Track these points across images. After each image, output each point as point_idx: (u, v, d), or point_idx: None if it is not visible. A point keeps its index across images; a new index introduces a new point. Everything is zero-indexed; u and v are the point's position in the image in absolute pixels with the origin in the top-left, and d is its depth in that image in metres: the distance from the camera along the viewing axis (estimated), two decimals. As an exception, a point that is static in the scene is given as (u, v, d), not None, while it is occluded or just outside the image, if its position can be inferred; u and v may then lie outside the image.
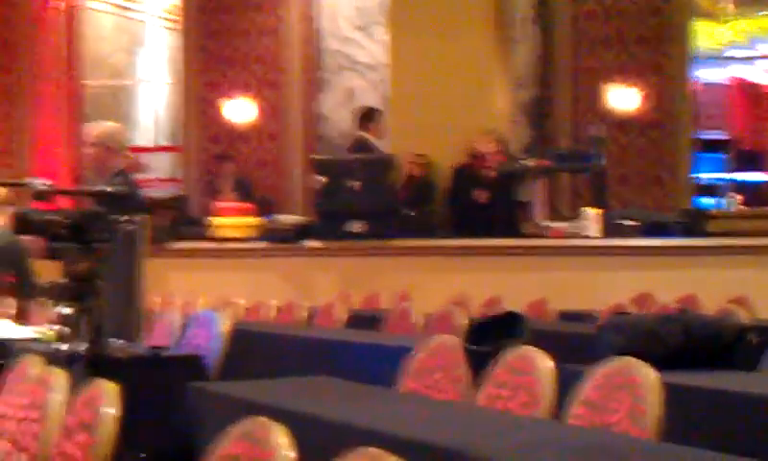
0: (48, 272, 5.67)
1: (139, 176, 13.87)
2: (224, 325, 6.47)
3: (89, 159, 6.83)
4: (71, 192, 5.87)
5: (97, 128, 6.97)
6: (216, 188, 14.14)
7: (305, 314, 8.95)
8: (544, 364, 4.32)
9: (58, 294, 4.95)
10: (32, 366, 4.16)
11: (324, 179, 11.59)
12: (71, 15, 16.32)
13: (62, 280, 4.81)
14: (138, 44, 18.75)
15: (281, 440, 2.70)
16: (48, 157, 15.62)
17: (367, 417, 3.88)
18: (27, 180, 5.43)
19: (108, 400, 3.42)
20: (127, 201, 5.63)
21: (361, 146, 12.23)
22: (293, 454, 2.69)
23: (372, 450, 2.41)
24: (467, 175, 12.01)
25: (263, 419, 2.81)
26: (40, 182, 4.98)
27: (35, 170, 15.09)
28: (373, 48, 14.88)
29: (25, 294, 5.83)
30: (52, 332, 5.75)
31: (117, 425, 3.36)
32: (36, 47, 15.94)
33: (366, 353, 6.40)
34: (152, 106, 18.68)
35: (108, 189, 5.18)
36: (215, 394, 4.77)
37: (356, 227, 11.24)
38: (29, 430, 3.80)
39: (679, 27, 13.47)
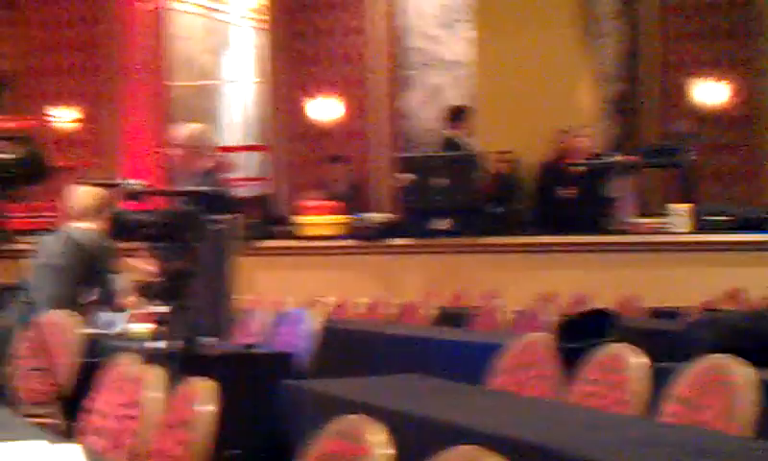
0: (138, 272, 5.75)
1: (227, 175, 13.96)
2: (314, 322, 6.51)
3: (177, 160, 6.91)
4: (164, 193, 5.93)
5: (184, 129, 7.05)
6: (325, 190, 14.05)
7: (393, 312, 8.97)
8: (637, 361, 4.30)
9: (152, 293, 5.01)
10: (128, 364, 4.21)
11: (410, 176, 11.61)
12: (158, 16, 16.49)
13: (156, 279, 4.87)
14: (225, 44, 18.91)
15: (378, 437, 2.72)
16: (136, 158, 15.81)
17: (460, 414, 3.89)
18: (121, 180, 5.51)
19: (205, 397, 3.46)
20: (218, 200, 5.68)
21: (450, 145, 12.23)
22: (389, 451, 2.70)
23: (471, 448, 2.42)
24: (554, 171, 11.96)
25: (359, 416, 2.83)
26: (134, 183, 5.05)
27: (123, 170, 15.30)
28: (458, 45, 14.84)
29: (107, 301, 5.89)
30: (146, 330, 5.84)
31: (215, 422, 3.40)
32: (123, 48, 16.13)
33: (455, 351, 6.41)
34: (238, 105, 18.83)
35: (201, 189, 5.24)
36: (307, 391, 4.80)
37: (443, 224, 11.24)
38: (127, 427, 3.85)
39: (768, 20, 13.30)
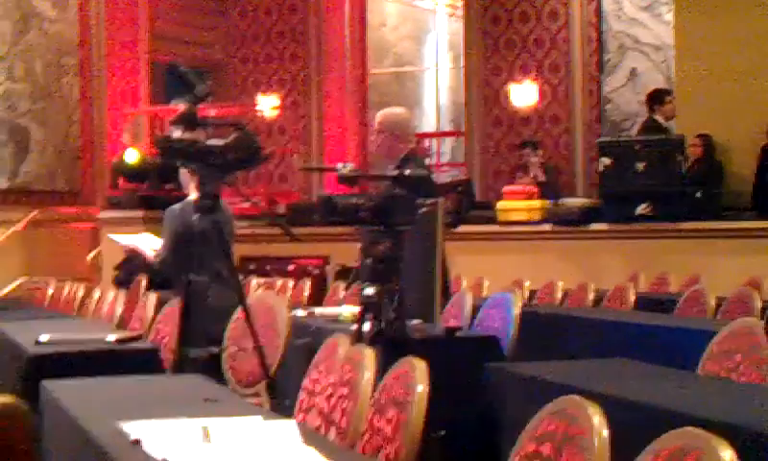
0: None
1: (428, 160, 14.10)
2: (516, 307, 6.52)
3: (377, 145, 6.99)
4: (376, 177, 6.01)
5: (385, 114, 7.12)
6: (522, 175, 14.08)
7: (593, 297, 8.91)
8: None
9: (361, 275, 5.09)
10: (339, 345, 4.30)
11: (609, 161, 11.50)
12: (358, 5, 16.71)
13: (365, 262, 4.95)
14: (423, 31, 19.03)
15: (596, 419, 2.72)
16: (337, 143, 16.06)
17: (673, 399, 3.85)
18: (333, 165, 5.61)
19: (418, 377, 3.51)
20: (423, 185, 5.74)
21: (651, 128, 12.08)
22: (607, 433, 2.70)
23: (695, 431, 2.41)
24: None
25: (577, 397, 2.84)
26: (345, 167, 5.14)
27: (325, 156, 15.57)
28: (659, 28, 14.65)
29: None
30: (353, 313, 5.94)
31: (426, 403, 3.44)
32: (324, 36, 16.41)
33: (659, 336, 6.33)
34: (435, 92, 18.93)
35: (410, 173, 5.30)
36: (514, 374, 4.82)
37: (643, 209, 11.11)
38: (339, 406, 3.93)
39: None
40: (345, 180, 5.12)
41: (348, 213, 4.81)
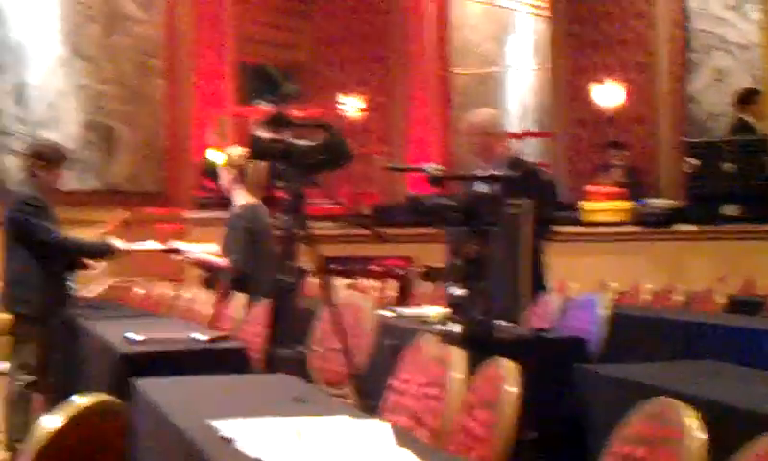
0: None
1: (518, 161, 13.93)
2: (603, 308, 6.48)
3: (473, 146, 6.99)
4: (464, 177, 6.02)
5: (479, 115, 7.12)
6: (605, 176, 13.98)
7: (681, 299, 8.83)
8: None
9: (449, 276, 5.10)
10: (429, 345, 4.30)
11: (696, 162, 11.39)
12: (441, 5, 16.70)
13: (454, 262, 4.95)
14: (506, 32, 18.98)
15: (691, 421, 2.70)
16: (421, 144, 16.06)
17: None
18: (422, 165, 5.61)
19: (510, 378, 3.50)
20: (513, 185, 5.73)
21: (740, 129, 11.94)
22: (702, 436, 2.68)
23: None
24: None
25: (671, 399, 2.82)
26: (434, 168, 5.14)
27: (409, 156, 15.58)
28: (746, 27, 14.46)
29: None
30: (440, 313, 5.94)
31: (519, 404, 3.44)
32: (407, 37, 16.42)
33: (750, 339, 6.26)
34: (519, 92, 18.86)
35: (497, 173, 5.29)
36: (604, 376, 4.79)
37: (731, 210, 10.99)
38: (429, 407, 3.94)
39: None
40: (434, 180, 5.12)
41: (437, 213, 4.82)
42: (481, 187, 5.70)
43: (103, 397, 2.96)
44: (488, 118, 7.01)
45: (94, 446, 2.85)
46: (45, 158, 7.69)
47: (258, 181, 7.44)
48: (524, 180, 5.83)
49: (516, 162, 6.64)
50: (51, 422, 2.64)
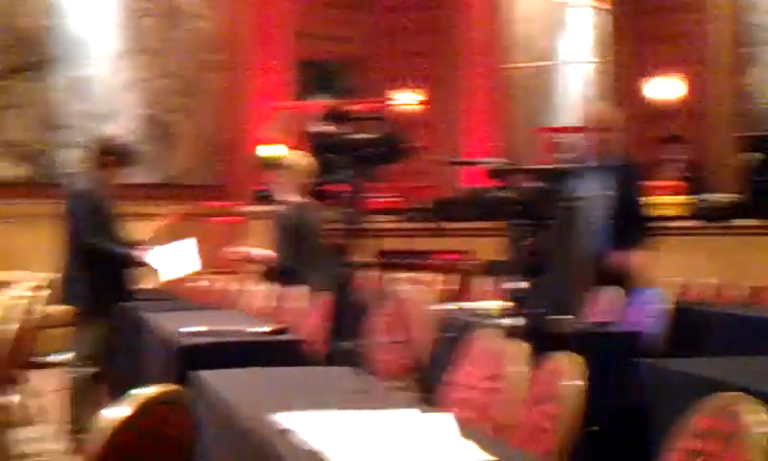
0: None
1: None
2: (664, 302, 6.44)
3: (589, 141, 7.01)
4: (527, 170, 6.00)
5: (597, 111, 7.14)
6: (663, 170, 13.90)
7: (742, 293, 8.75)
8: None
9: (510, 269, 5.08)
10: (491, 338, 4.29)
11: (756, 155, 11.30)
12: (497, -1, 16.67)
13: (515, 256, 4.94)
14: (563, 25, 18.87)
15: (757, 416, 2.67)
16: (476, 137, 16.02)
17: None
18: (484, 159, 5.61)
19: (574, 371, 3.49)
20: (572, 178, 5.71)
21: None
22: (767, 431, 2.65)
23: None
24: None
25: (735, 394, 2.79)
26: (498, 161, 5.14)
27: (463, 150, 15.54)
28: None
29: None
30: (498, 306, 5.92)
31: (582, 397, 3.42)
32: (463, 31, 16.37)
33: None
34: (576, 86, 18.75)
35: (560, 166, 5.29)
36: (668, 370, 4.75)
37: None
38: (492, 400, 3.93)
39: None
40: (494, 174, 5.11)
41: (498, 207, 4.81)
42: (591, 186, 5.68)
43: (168, 387, 2.98)
44: (608, 113, 7.03)
45: (159, 435, 2.87)
46: (114, 154, 7.73)
47: (307, 178, 7.47)
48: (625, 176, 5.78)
49: (627, 159, 6.63)
50: (117, 412, 2.66)
